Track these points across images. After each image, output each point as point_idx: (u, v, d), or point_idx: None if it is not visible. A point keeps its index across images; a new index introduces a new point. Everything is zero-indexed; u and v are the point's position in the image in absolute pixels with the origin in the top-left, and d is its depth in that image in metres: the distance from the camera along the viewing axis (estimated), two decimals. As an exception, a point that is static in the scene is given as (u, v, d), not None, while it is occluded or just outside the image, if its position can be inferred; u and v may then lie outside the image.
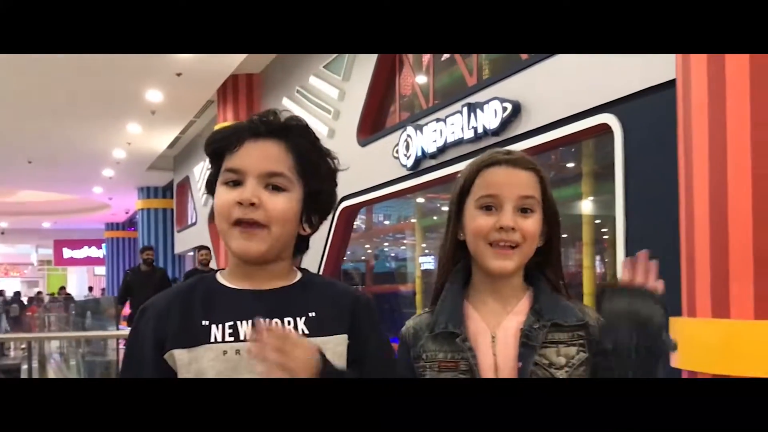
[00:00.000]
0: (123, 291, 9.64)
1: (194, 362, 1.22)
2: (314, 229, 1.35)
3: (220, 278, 1.33)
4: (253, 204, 1.23)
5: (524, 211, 1.40)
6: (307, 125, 1.32)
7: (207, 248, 9.38)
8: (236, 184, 1.25)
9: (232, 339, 1.25)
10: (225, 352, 1.23)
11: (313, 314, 1.29)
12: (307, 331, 1.27)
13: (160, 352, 1.24)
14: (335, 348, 1.27)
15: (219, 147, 1.29)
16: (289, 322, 1.27)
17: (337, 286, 1.39)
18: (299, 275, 1.36)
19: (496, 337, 1.39)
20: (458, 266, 1.47)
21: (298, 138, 1.28)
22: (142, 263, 9.53)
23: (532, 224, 1.40)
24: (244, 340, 1.24)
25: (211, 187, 1.32)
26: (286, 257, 1.33)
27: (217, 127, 1.37)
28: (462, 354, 1.37)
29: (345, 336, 1.29)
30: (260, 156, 1.25)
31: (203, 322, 1.25)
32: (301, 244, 1.36)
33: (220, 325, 1.25)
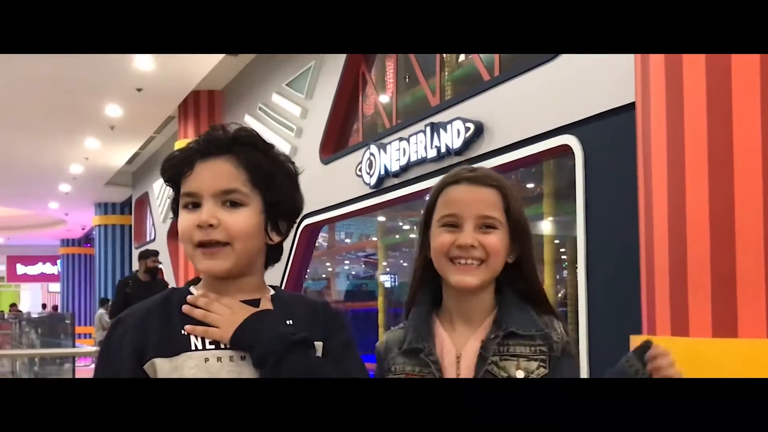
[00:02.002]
0: (121, 305, 7.19)
1: (175, 371, 1.22)
2: (283, 236, 1.35)
3: (195, 291, 1.33)
4: (211, 225, 1.24)
5: (487, 227, 1.40)
6: (257, 135, 1.32)
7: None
8: (195, 206, 1.27)
9: (212, 347, 1.25)
10: (206, 360, 1.24)
11: (290, 322, 1.30)
12: None
13: (139, 363, 1.23)
14: None
15: (173, 173, 1.30)
16: None
17: (307, 297, 1.42)
18: (272, 291, 1.37)
19: (461, 356, 1.40)
20: (427, 285, 1.48)
21: (249, 150, 1.28)
22: (142, 272, 7.37)
23: (495, 240, 1.39)
24: (225, 348, 1.25)
25: (174, 211, 1.34)
26: (257, 271, 1.34)
27: (174, 148, 1.36)
28: (428, 369, 1.38)
29: (320, 343, 1.30)
30: (212, 175, 1.26)
31: (182, 332, 1.26)
32: (273, 253, 1.37)
33: None
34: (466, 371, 1.38)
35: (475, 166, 1.50)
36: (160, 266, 7.62)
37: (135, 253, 18.18)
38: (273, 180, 1.30)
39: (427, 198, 1.48)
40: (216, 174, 1.26)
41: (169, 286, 7.92)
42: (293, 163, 1.36)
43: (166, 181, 1.32)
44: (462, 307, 1.44)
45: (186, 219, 1.27)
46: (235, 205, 1.26)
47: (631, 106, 4.06)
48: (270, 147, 1.33)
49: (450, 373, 1.39)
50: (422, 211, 1.49)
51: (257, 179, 1.28)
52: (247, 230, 1.26)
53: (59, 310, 24.51)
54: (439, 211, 1.43)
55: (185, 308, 1.27)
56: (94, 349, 10.63)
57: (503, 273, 1.44)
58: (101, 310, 15.14)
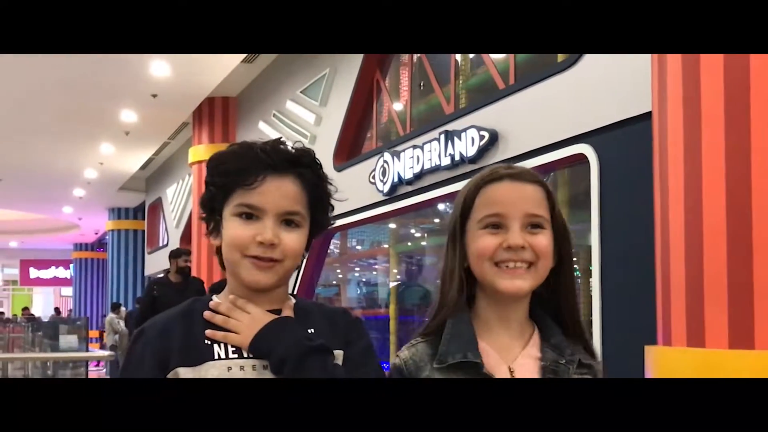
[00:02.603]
0: (147, 311, 6.42)
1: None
2: (308, 251, 1.38)
3: (218, 301, 1.34)
4: (273, 244, 1.25)
5: (534, 227, 1.29)
6: (315, 158, 1.33)
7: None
8: (250, 217, 1.26)
9: (236, 356, 1.26)
10: (230, 369, 1.25)
11: (312, 331, 1.31)
12: None
13: (162, 373, 1.23)
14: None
15: (235, 179, 1.27)
16: None
17: (326, 307, 1.42)
18: (293, 300, 1.38)
19: (515, 371, 1.30)
20: (464, 294, 1.34)
21: (310, 173, 1.30)
22: (172, 272, 6.79)
23: (545, 240, 1.29)
24: (248, 357, 1.26)
25: (209, 208, 1.32)
26: (286, 282, 1.36)
27: (222, 149, 1.34)
28: None
29: (341, 352, 1.31)
30: (280, 194, 1.26)
31: (206, 341, 1.26)
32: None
33: (223, 344, 1.27)
34: None
35: (510, 164, 1.38)
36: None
37: (148, 258, 18.27)
38: (322, 204, 1.34)
39: (459, 200, 1.35)
40: (284, 194, 1.27)
41: (204, 285, 7.13)
42: (332, 184, 1.38)
43: (221, 183, 1.29)
44: (503, 316, 1.33)
45: (241, 229, 1.26)
46: (290, 224, 1.28)
47: (647, 116, 4.06)
48: (322, 168, 1.35)
49: None
50: (453, 215, 1.36)
51: (313, 202, 1.31)
52: (300, 251, 1.30)
53: (70, 315, 24.60)
54: (479, 211, 1.31)
55: (207, 314, 1.29)
56: (107, 353, 10.67)
57: (547, 291, 1.35)
58: (112, 315, 15.22)
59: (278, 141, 1.31)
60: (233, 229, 1.27)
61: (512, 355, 1.32)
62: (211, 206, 1.32)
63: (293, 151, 1.30)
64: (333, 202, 1.37)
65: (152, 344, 1.26)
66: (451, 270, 1.35)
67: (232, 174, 1.28)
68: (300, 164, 1.29)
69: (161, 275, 7.21)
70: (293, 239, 1.27)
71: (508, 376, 1.29)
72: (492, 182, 1.32)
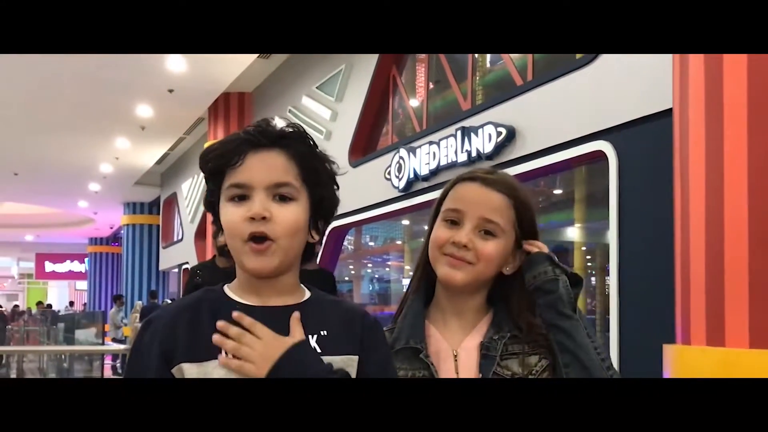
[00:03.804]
0: None
1: (203, 377, 1.20)
2: (321, 235, 1.33)
3: (229, 292, 1.30)
4: (264, 218, 1.21)
5: (487, 233, 1.36)
6: (305, 132, 1.30)
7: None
8: (242, 198, 1.23)
9: None
10: None
11: (325, 333, 1.27)
12: (318, 350, 1.25)
13: (167, 366, 1.20)
14: (345, 368, 1.25)
15: (219, 163, 1.25)
16: None
17: (345, 304, 1.37)
18: (308, 293, 1.33)
19: (458, 355, 1.38)
20: (422, 284, 1.45)
21: (299, 145, 1.26)
22: (218, 256, 5.83)
23: (491, 248, 1.36)
24: None
25: (211, 206, 1.29)
26: (294, 269, 1.31)
27: (207, 144, 1.33)
28: (423, 371, 1.35)
29: (356, 357, 1.26)
30: (265, 167, 1.23)
31: (213, 337, 1.22)
32: (309, 252, 1.34)
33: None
34: (466, 371, 1.35)
35: (496, 168, 1.49)
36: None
37: (162, 253, 18.34)
38: (319, 177, 1.28)
39: (440, 193, 1.47)
40: (269, 166, 1.23)
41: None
42: (335, 162, 1.33)
43: (208, 171, 1.28)
44: (455, 304, 1.41)
45: (233, 212, 1.23)
46: (284, 199, 1.23)
47: (667, 113, 4.02)
48: (316, 145, 1.30)
49: (449, 373, 1.36)
50: (433, 207, 1.47)
51: (306, 174, 1.25)
52: (296, 226, 1.24)
53: (85, 308, 24.75)
54: (446, 205, 1.42)
55: (216, 339, 1.22)
56: (123, 346, 10.73)
57: (502, 285, 1.42)
58: (115, 308, 15.31)
59: (264, 120, 1.28)
60: (227, 214, 1.24)
61: (459, 338, 1.40)
62: (211, 202, 1.29)
63: (279, 128, 1.27)
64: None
65: (159, 336, 1.22)
66: (418, 257, 1.48)
67: (218, 159, 1.26)
68: (285, 137, 1.26)
69: (202, 262, 6.87)
70: (287, 213, 1.23)
71: (452, 361, 1.37)
72: (465, 181, 1.42)
